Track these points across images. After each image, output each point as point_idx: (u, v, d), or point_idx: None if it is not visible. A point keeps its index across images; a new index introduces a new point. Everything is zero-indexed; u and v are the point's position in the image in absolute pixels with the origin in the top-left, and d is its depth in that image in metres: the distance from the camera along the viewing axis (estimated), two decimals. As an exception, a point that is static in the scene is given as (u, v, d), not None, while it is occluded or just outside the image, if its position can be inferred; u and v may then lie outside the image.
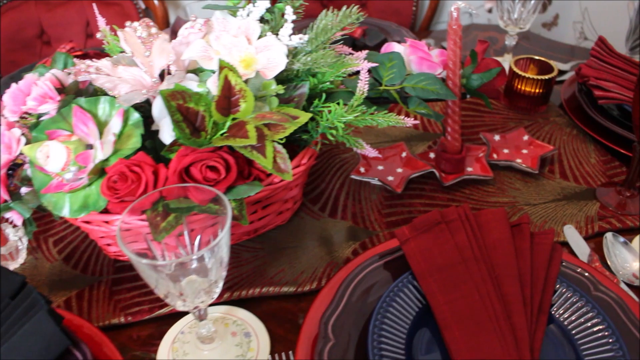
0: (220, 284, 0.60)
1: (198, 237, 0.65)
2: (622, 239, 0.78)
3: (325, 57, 0.70)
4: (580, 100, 1.05)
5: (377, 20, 1.37)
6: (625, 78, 1.02)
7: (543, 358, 0.61)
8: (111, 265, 0.79)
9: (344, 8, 0.72)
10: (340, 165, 0.96)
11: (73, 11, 1.51)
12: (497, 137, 0.99)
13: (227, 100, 0.62)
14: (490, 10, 1.79)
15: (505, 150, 0.96)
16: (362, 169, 0.91)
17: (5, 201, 0.71)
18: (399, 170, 0.92)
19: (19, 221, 0.71)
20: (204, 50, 0.72)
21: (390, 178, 0.90)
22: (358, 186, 0.91)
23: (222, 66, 0.61)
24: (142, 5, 1.53)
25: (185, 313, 0.72)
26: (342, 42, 0.76)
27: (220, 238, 0.54)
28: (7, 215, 0.72)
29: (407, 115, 1.04)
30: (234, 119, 0.65)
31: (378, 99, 0.85)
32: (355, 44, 1.26)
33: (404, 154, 0.94)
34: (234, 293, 0.73)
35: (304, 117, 0.67)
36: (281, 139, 0.65)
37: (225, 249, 0.57)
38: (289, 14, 0.71)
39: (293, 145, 0.77)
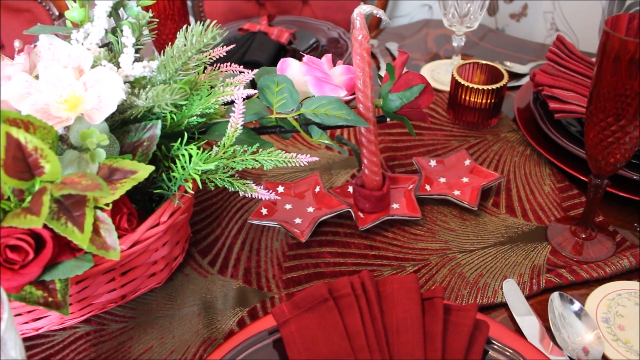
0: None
1: None
2: (571, 300, 0.62)
3: (168, 91, 0.54)
4: (535, 113, 0.89)
5: (313, 20, 1.21)
6: (587, 86, 0.86)
7: None
8: None
9: (198, 25, 0.55)
10: (241, 205, 0.80)
11: (-21, 19, 1.34)
12: (433, 163, 0.83)
13: (22, 162, 0.46)
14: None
15: (442, 179, 0.80)
16: (264, 211, 0.75)
17: None
18: (310, 209, 0.76)
19: None
20: (26, 86, 0.56)
21: (297, 220, 0.74)
22: (259, 232, 0.75)
23: (6, 118, 0.45)
24: (56, 12, 1.36)
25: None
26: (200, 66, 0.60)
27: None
28: None
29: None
30: (42, 181, 0.49)
31: (275, 128, 0.70)
32: (285, 49, 1.10)
33: (317, 189, 0.78)
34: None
35: (143, 171, 0.51)
36: (106, 206, 0.50)
37: (11, 345, 0.42)
38: (128, 35, 0.55)
39: (153, 197, 0.61)
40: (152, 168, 0.52)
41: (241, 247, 0.73)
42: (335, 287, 0.56)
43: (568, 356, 0.58)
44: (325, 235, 0.74)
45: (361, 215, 0.75)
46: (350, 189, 0.79)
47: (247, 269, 0.70)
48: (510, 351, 0.54)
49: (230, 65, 0.69)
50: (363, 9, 0.65)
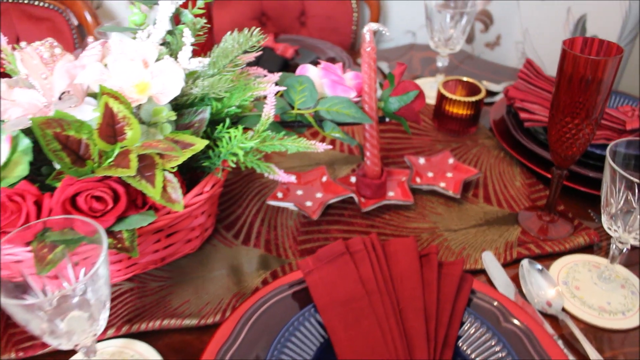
0: (102, 320, 0.56)
1: (82, 271, 0.61)
2: (538, 265, 0.76)
3: (222, 82, 0.67)
4: (508, 122, 1.04)
5: (314, 40, 1.35)
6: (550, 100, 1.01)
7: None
8: (7, 299, 0.74)
9: (245, 30, 0.69)
10: (259, 189, 0.92)
11: (2, 26, 1.45)
12: (422, 160, 0.97)
13: (111, 128, 0.59)
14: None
15: (430, 174, 0.94)
16: (279, 194, 0.88)
17: None
18: (319, 195, 0.89)
19: None
20: (100, 73, 0.68)
21: (308, 203, 0.87)
22: (275, 212, 0.88)
23: (103, 92, 0.58)
24: (75, 22, 1.48)
25: (78, 351, 0.68)
26: (257, 63, 0.74)
27: (97, 267, 0.51)
28: None
29: (324, 139, 1.02)
30: (122, 146, 0.61)
31: (293, 123, 0.83)
32: (288, 64, 1.24)
33: (324, 179, 0.91)
34: (133, 325, 0.69)
35: (199, 144, 0.64)
36: (172, 168, 0.62)
37: (103, 280, 0.54)
38: (188, 37, 0.68)
39: (198, 172, 0.74)
40: (206, 142, 0.64)
41: (261, 223, 0.85)
42: (350, 244, 0.68)
43: (536, 309, 0.72)
44: (332, 216, 0.87)
45: (363, 200, 0.88)
46: (353, 179, 0.92)
47: (267, 240, 0.82)
48: (488, 298, 0.67)
49: (256, 69, 0.83)
50: (372, 26, 0.80)
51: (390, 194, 0.89)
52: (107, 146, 0.60)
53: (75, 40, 1.48)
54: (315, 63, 1.27)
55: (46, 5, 1.47)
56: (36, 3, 1.46)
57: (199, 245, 0.81)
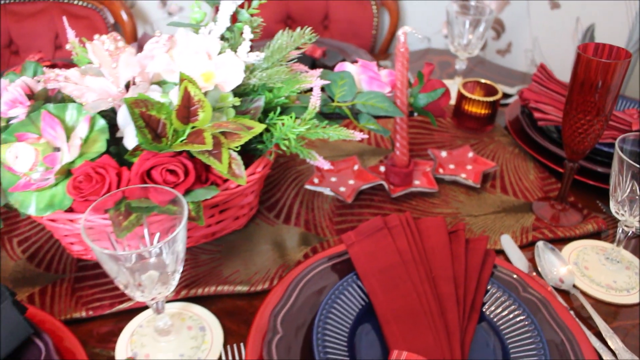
0: (177, 278, 0.65)
1: (157, 236, 0.69)
2: (551, 246, 0.85)
3: (279, 74, 0.75)
4: (522, 121, 1.13)
5: (338, 42, 1.44)
6: (562, 102, 1.10)
7: (473, 349, 0.67)
8: (74, 264, 0.83)
9: (298, 29, 0.78)
10: (295, 176, 1.01)
11: (42, 23, 1.54)
12: (444, 154, 1.06)
13: (187, 109, 0.67)
14: (446, 36, 1.88)
15: (451, 166, 1.03)
16: (316, 180, 0.97)
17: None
18: (351, 182, 0.98)
19: (-15, 219, 0.74)
20: (167, 64, 0.77)
21: (342, 189, 0.96)
22: (312, 196, 0.96)
23: (183, 78, 0.66)
24: (111, 20, 1.57)
25: (143, 309, 0.76)
26: (297, 60, 0.82)
27: (177, 232, 0.59)
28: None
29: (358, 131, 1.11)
30: (193, 127, 0.70)
31: (331, 115, 0.92)
32: (315, 63, 1.33)
33: (356, 167, 1.00)
34: (190, 291, 0.77)
35: (259, 127, 0.73)
36: (237, 147, 0.71)
37: (181, 244, 0.62)
38: (247, 33, 0.76)
39: (249, 154, 0.82)
40: (264, 126, 0.73)
41: (300, 205, 0.94)
42: (387, 220, 0.77)
43: (549, 284, 0.80)
44: (364, 201, 0.96)
45: (392, 187, 0.96)
46: (382, 168, 1.01)
47: (306, 220, 0.91)
48: (509, 271, 0.76)
49: (298, 65, 0.91)
50: (406, 29, 0.89)
51: (416, 182, 0.98)
52: (181, 126, 0.69)
53: (111, 37, 1.57)
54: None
55: (85, 4, 1.56)
56: (76, 2, 1.55)
57: (245, 222, 0.89)
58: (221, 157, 0.69)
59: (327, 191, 0.95)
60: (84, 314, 0.75)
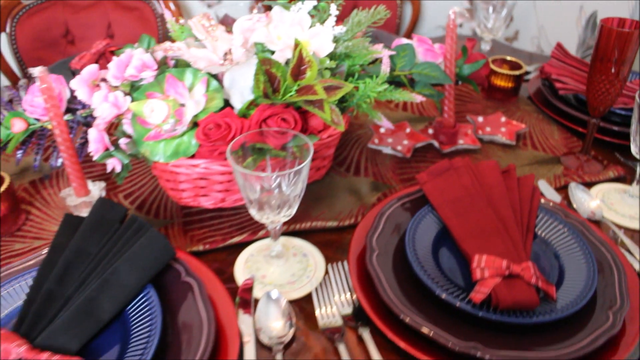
0: (295, 206, 0.80)
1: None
2: (582, 187, 1.02)
3: (360, 44, 0.91)
4: (544, 91, 1.30)
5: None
6: (579, 74, 1.28)
7: (532, 259, 0.83)
8: (179, 211, 0.97)
9: (374, 7, 0.94)
10: (356, 139, 1.17)
11: (97, 14, 1.68)
12: (480, 119, 1.22)
13: (299, 68, 0.83)
14: (461, 25, 2.05)
15: (488, 128, 1.20)
16: (376, 140, 1.12)
17: (107, 149, 0.89)
18: (405, 142, 1.14)
19: (118, 167, 0.89)
20: (266, 36, 0.92)
21: (399, 147, 1.12)
22: (373, 154, 1.12)
23: (297, 43, 0.82)
24: (160, 11, 1.71)
25: (249, 243, 0.91)
26: (370, 33, 0.98)
27: (304, 165, 0.74)
28: (108, 162, 0.89)
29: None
30: (298, 84, 0.85)
31: (390, 83, 1.07)
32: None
33: (407, 130, 1.16)
34: (290, 227, 0.93)
35: (349, 86, 0.88)
36: (334, 101, 0.86)
37: (304, 173, 0.77)
38: (333, 9, 0.92)
39: (332, 112, 0.98)
40: (352, 85, 0.89)
41: (366, 161, 1.10)
42: (452, 162, 0.93)
43: (583, 216, 0.97)
44: (418, 157, 1.12)
45: (442, 145, 1.13)
46: (430, 131, 1.17)
47: (374, 172, 1.07)
48: (552, 203, 0.92)
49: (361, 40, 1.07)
50: (456, 9, 1.05)
51: (461, 141, 1.14)
52: (292, 83, 0.84)
53: (159, 27, 1.72)
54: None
55: (135, -4, 1.70)
56: (127, -5, 1.69)
57: (324, 173, 1.05)
58: (323, 108, 0.84)
59: (386, 150, 1.11)
60: (201, 247, 0.90)
